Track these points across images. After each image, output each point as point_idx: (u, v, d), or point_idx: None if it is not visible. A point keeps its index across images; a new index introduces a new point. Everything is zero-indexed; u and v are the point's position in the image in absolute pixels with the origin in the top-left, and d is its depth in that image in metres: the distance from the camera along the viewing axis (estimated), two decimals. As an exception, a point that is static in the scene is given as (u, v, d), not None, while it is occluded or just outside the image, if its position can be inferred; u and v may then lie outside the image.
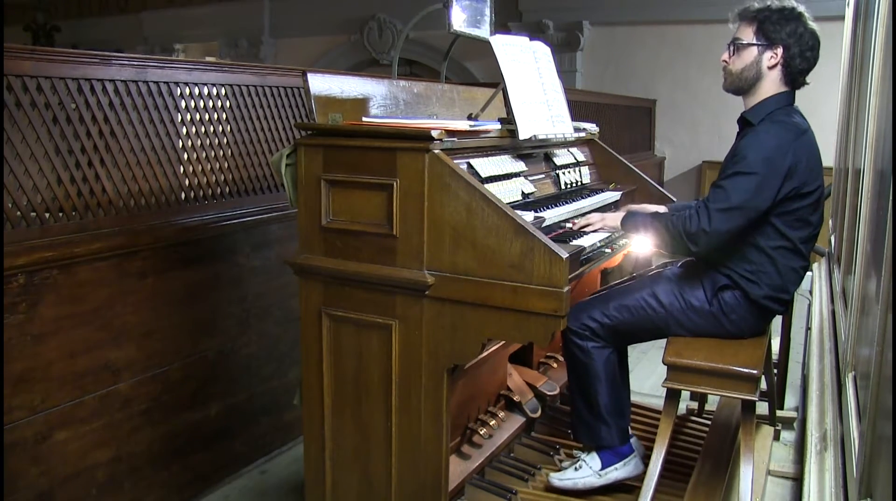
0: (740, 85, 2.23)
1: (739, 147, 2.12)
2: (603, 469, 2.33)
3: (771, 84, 2.19)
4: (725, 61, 2.24)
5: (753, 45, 2.17)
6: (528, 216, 1.97)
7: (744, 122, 2.25)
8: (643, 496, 2.16)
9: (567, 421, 2.68)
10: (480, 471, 2.39)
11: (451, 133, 1.86)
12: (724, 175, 2.12)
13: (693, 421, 2.96)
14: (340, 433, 2.08)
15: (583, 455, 2.37)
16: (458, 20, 2.60)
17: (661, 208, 2.52)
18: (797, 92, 2.25)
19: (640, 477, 2.31)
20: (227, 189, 2.73)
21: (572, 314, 2.26)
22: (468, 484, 2.30)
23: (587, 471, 2.34)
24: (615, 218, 2.27)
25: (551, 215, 2.18)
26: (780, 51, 2.15)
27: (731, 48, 2.22)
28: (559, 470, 2.41)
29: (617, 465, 2.33)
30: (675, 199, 2.74)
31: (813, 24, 2.17)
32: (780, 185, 2.08)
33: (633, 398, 3.09)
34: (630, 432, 2.53)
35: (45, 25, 10.60)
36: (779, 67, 2.17)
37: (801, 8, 2.18)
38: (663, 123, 8.03)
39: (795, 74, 2.19)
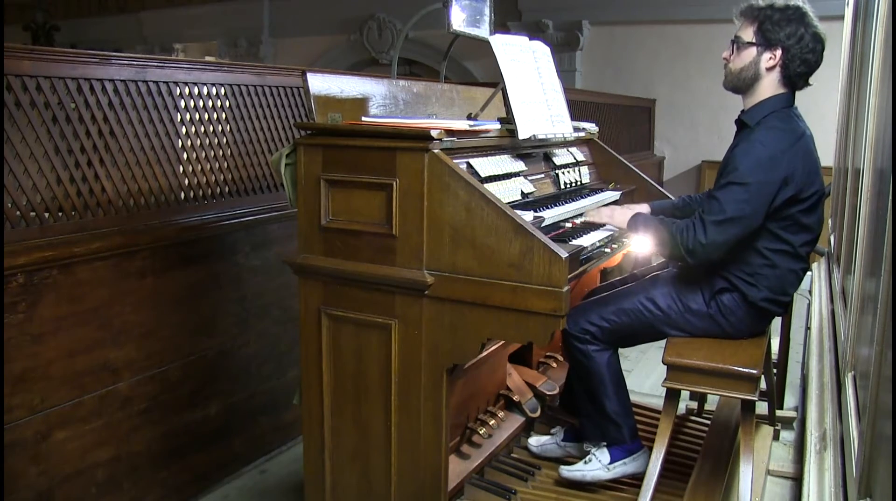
0: (738, 84, 2.21)
1: (733, 156, 2.10)
2: (612, 462, 2.36)
3: (769, 85, 2.17)
4: (726, 59, 2.23)
5: (752, 44, 2.15)
6: (528, 216, 1.97)
7: (741, 123, 2.23)
8: (643, 495, 2.16)
9: (566, 421, 2.69)
10: (480, 471, 2.39)
11: (450, 133, 1.86)
12: (718, 186, 2.10)
13: (693, 421, 2.96)
14: (340, 432, 2.08)
15: (593, 449, 2.40)
16: (458, 20, 2.60)
17: (644, 206, 2.52)
18: (798, 91, 2.23)
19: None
20: (227, 189, 2.73)
21: (571, 319, 2.27)
22: (468, 484, 2.30)
23: (596, 465, 2.36)
24: (623, 218, 2.26)
25: (551, 215, 2.18)
26: (778, 53, 2.12)
27: (732, 46, 2.20)
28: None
29: (626, 460, 2.36)
30: (672, 197, 2.74)
31: (817, 26, 2.13)
32: (774, 194, 2.06)
33: (633, 398, 3.09)
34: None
35: (44, 25, 10.60)
36: (777, 68, 2.14)
37: (806, 7, 2.14)
38: (663, 122, 8.03)
39: (794, 77, 2.16)
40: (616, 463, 2.36)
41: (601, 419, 2.35)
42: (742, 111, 2.24)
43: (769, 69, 2.15)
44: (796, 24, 2.11)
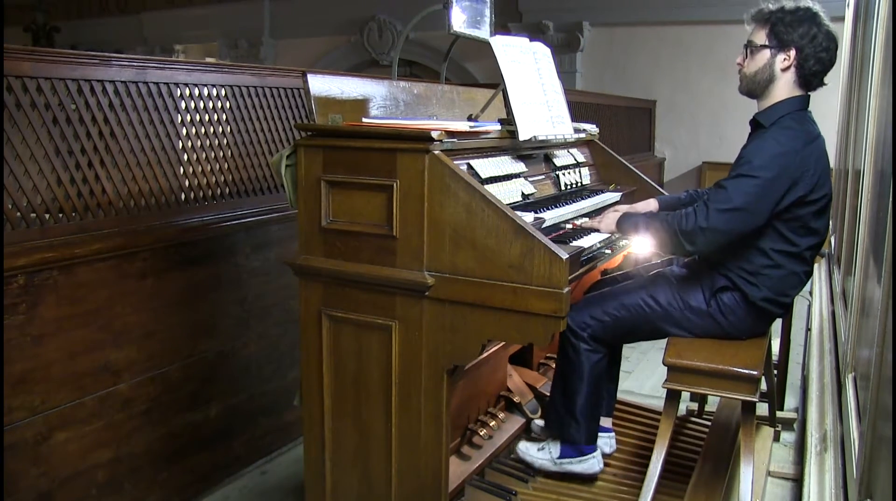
0: (754, 88, 2.21)
1: (746, 151, 2.11)
2: (560, 458, 2.40)
3: (784, 86, 2.17)
4: (740, 64, 2.23)
5: (766, 47, 2.15)
6: (528, 217, 1.97)
7: (755, 123, 2.23)
8: (643, 496, 2.16)
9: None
10: (480, 472, 2.39)
11: (451, 134, 1.86)
12: (729, 177, 2.11)
13: (693, 422, 2.96)
14: (340, 433, 2.08)
15: (549, 441, 2.45)
16: (458, 21, 2.60)
17: (652, 202, 2.53)
18: (812, 92, 2.22)
19: (595, 476, 2.43)
20: (227, 190, 2.73)
21: (573, 311, 2.26)
22: (468, 485, 2.30)
23: (546, 455, 2.42)
24: (610, 222, 2.26)
25: (551, 216, 2.18)
26: (792, 53, 2.13)
27: (745, 51, 2.21)
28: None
29: (573, 460, 2.39)
30: (665, 192, 2.75)
31: (829, 24, 2.13)
32: (783, 192, 2.06)
33: (633, 399, 3.11)
34: (611, 426, 2.61)
35: (44, 26, 10.60)
36: (792, 69, 2.15)
37: (817, 7, 2.15)
38: (663, 123, 8.04)
39: (809, 76, 2.16)
40: (564, 461, 2.40)
41: (566, 414, 2.35)
42: (757, 112, 2.24)
43: (784, 70, 2.16)
44: (808, 23, 2.11)
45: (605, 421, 2.58)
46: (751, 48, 2.19)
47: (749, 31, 2.23)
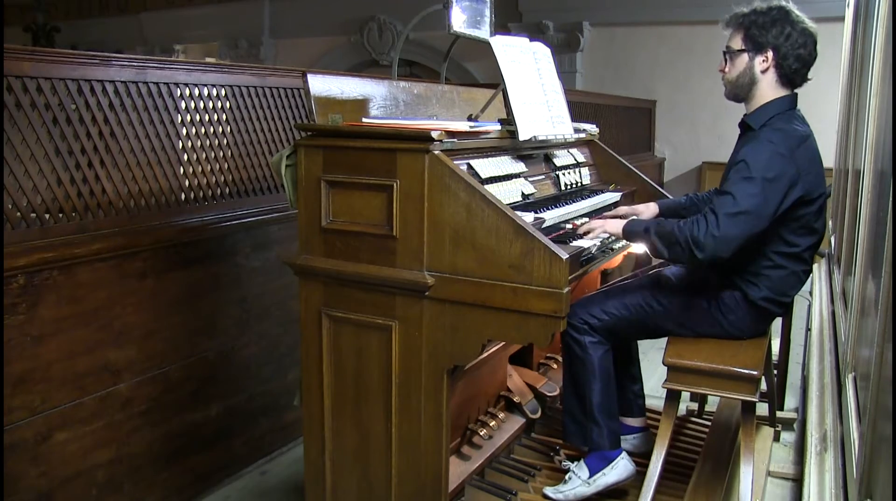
0: (738, 92, 2.23)
1: (742, 155, 2.10)
2: (591, 476, 2.29)
3: (768, 87, 2.18)
4: (722, 71, 2.25)
5: (743, 51, 2.17)
6: (528, 217, 1.97)
7: (745, 126, 2.24)
8: (643, 496, 2.16)
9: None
10: (480, 472, 2.39)
11: (451, 134, 1.86)
12: (730, 182, 2.08)
13: (693, 422, 2.96)
14: (340, 433, 2.08)
15: (572, 466, 2.35)
16: (458, 21, 2.60)
17: (652, 206, 2.54)
18: (798, 88, 2.23)
19: (631, 478, 2.31)
20: (227, 190, 2.73)
21: (572, 310, 2.25)
22: (468, 485, 2.30)
23: (576, 482, 2.30)
24: (616, 225, 2.22)
25: (551, 216, 2.18)
26: (770, 54, 2.14)
27: (725, 57, 2.23)
28: (557, 482, 2.38)
29: (605, 470, 2.29)
30: (669, 196, 2.75)
31: (804, 21, 2.14)
32: (785, 192, 2.05)
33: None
34: (644, 424, 2.61)
35: (44, 26, 10.59)
36: (772, 69, 2.16)
37: (790, 6, 2.16)
38: (663, 123, 8.04)
39: (791, 75, 2.17)
40: (596, 476, 2.29)
41: (584, 417, 2.30)
42: (745, 115, 2.24)
43: (764, 72, 2.17)
44: (781, 23, 2.13)
45: (638, 421, 2.62)
46: (729, 54, 2.21)
47: (726, 37, 2.24)
